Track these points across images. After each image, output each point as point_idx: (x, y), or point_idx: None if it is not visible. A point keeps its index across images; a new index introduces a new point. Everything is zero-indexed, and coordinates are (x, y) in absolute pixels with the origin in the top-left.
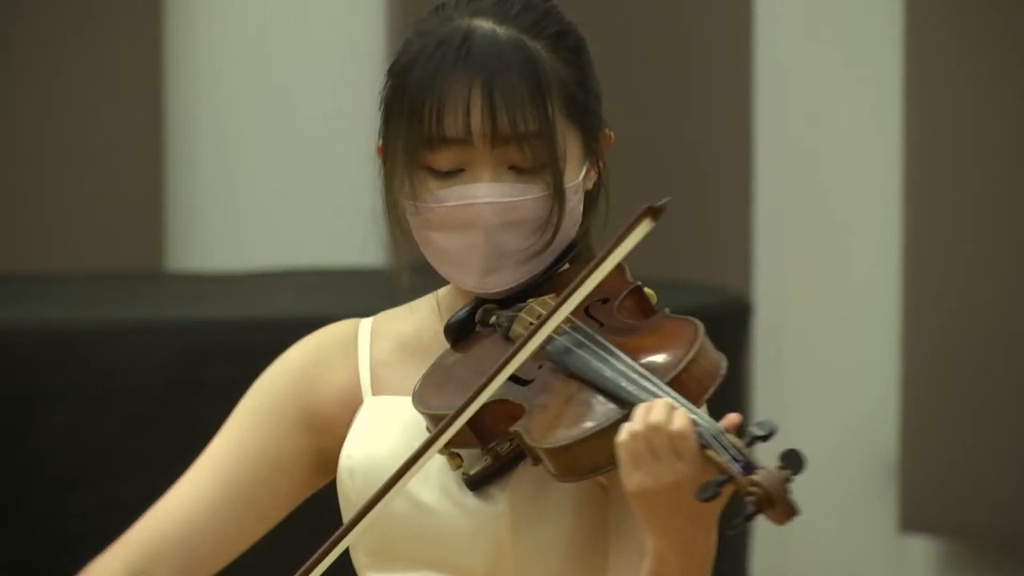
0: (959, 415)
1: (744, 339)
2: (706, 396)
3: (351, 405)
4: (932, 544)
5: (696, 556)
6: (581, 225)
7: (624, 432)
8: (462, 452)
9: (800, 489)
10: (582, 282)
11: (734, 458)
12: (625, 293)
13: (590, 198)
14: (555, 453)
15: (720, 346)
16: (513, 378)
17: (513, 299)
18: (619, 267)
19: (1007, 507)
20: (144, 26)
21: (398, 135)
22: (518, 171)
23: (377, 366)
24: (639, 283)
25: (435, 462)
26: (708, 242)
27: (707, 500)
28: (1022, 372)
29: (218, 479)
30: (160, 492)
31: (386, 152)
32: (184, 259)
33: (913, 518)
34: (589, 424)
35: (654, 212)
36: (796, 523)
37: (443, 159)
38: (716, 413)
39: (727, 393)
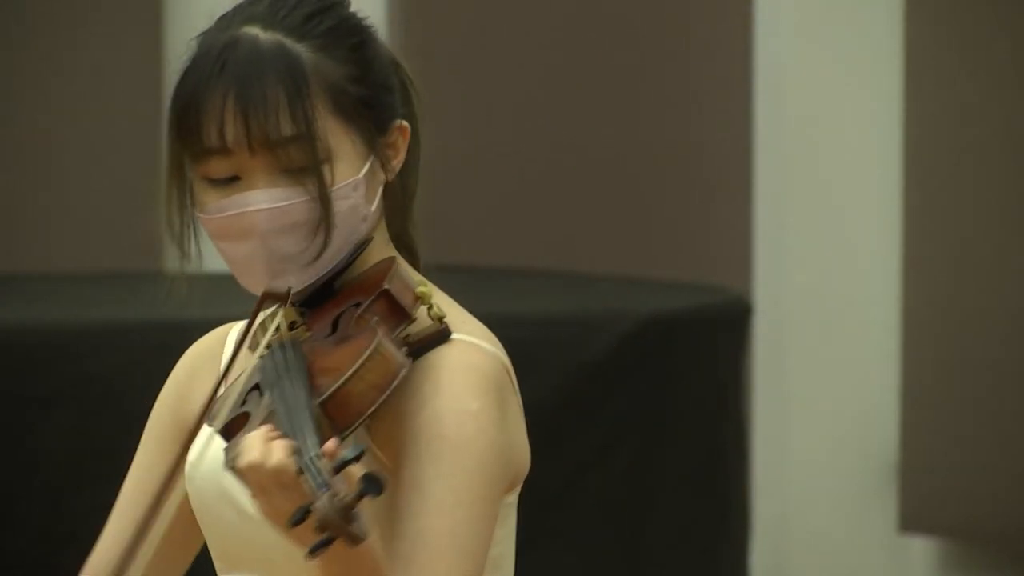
0: (959, 415)
1: (744, 339)
2: (373, 407)
3: None
4: (932, 544)
5: (357, 571)
6: (401, 218)
7: (237, 472)
8: None
9: (800, 489)
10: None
11: (319, 484)
12: (372, 298)
13: (393, 190)
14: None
15: (720, 346)
16: (255, 386)
17: (311, 300)
18: (386, 266)
19: (1007, 507)
20: (144, 26)
21: (172, 148)
22: (291, 173)
23: (231, 375)
24: (387, 287)
25: None
26: (708, 242)
27: (295, 526)
28: (1022, 372)
29: (140, 510)
30: None
31: (168, 166)
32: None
33: (913, 518)
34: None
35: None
36: (796, 523)
37: (215, 168)
38: (715, 413)
39: (727, 393)
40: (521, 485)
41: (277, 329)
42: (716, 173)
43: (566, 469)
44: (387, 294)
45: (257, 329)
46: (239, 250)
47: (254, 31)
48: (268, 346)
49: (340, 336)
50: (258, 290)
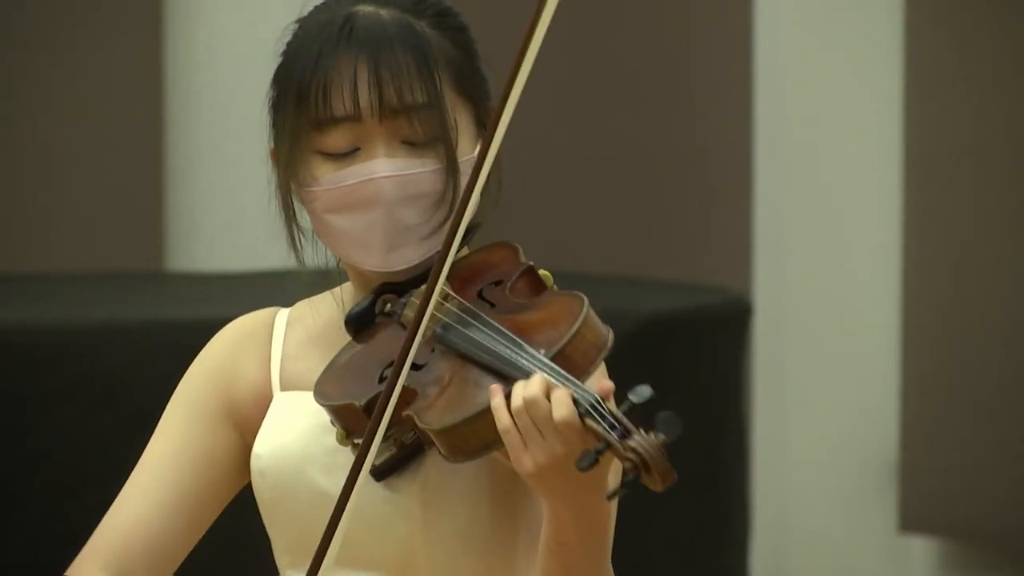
0: (959, 415)
1: (744, 339)
2: (592, 368)
3: (263, 401)
4: (932, 544)
5: (592, 518)
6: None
7: (503, 418)
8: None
9: (800, 489)
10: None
11: (611, 426)
12: (518, 274)
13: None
14: (443, 434)
15: (720, 346)
16: (441, 350)
17: (412, 286)
18: (512, 248)
19: (1007, 507)
20: (144, 26)
21: (287, 123)
22: (411, 145)
23: (287, 359)
24: (531, 263)
25: (345, 453)
26: (708, 242)
27: (586, 469)
28: (1022, 373)
29: (165, 483)
30: None
31: (278, 148)
32: (184, 259)
33: (913, 518)
34: (473, 403)
35: None
36: (796, 523)
37: (335, 140)
38: (715, 413)
39: (727, 393)
40: None
41: (443, 301)
42: (716, 174)
43: None
44: (532, 270)
45: (398, 306)
46: (358, 221)
47: (371, 7)
48: (445, 315)
49: (530, 304)
50: (370, 264)
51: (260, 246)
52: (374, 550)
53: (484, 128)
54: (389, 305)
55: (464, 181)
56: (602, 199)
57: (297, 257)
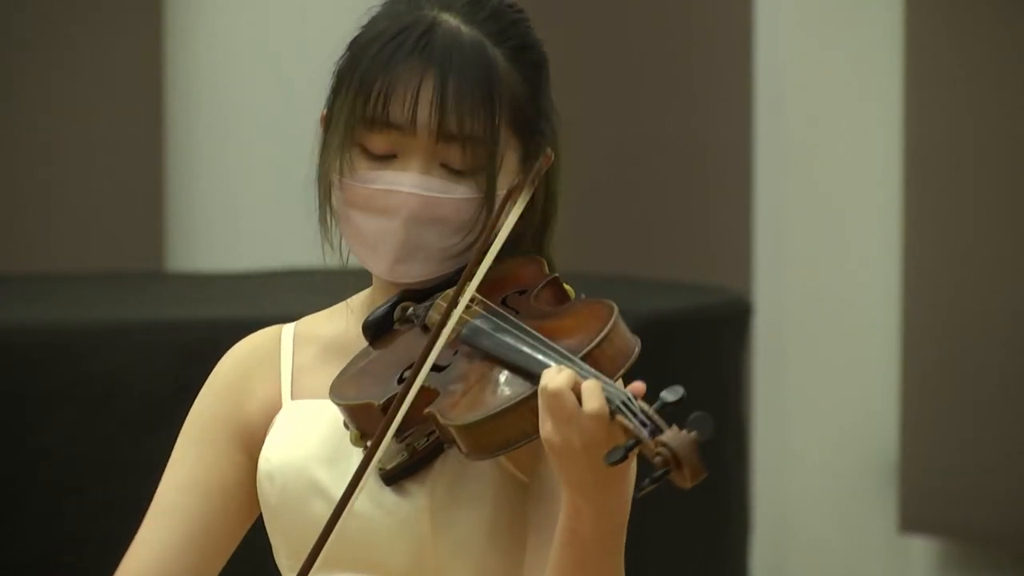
0: (959, 415)
1: (744, 339)
2: (619, 375)
3: (274, 415)
4: (932, 544)
5: (610, 514)
6: (537, 237)
7: (538, 393)
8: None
9: (800, 489)
10: (488, 246)
11: (642, 423)
12: (542, 284)
13: (533, 212)
14: (467, 430)
15: (720, 346)
16: (464, 352)
17: (430, 295)
18: (537, 261)
19: (1007, 507)
20: (144, 26)
21: (342, 109)
22: (449, 170)
23: (298, 373)
24: (556, 275)
25: (355, 458)
26: (708, 242)
27: (615, 464)
28: (1022, 373)
29: (175, 522)
30: None
31: (328, 123)
32: (184, 259)
33: (913, 518)
34: (500, 399)
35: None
36: (796, 523)
37: (379, 142)
38: (715, 413)
39: (727, 393)
40: None
41: (469, 304)
42: (716, 173)
43: None
44: (556, 281)
45: (420, 310)
46: (374, 225)
47: (455, 21)
48: (471, 316)
49: (556, 311)
50: (375, 269)
51: (260, 246)
52: (383, 555)
53: (525, 167)
54: (411, 310)
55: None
56: (602, 199)
57: (325, 236)
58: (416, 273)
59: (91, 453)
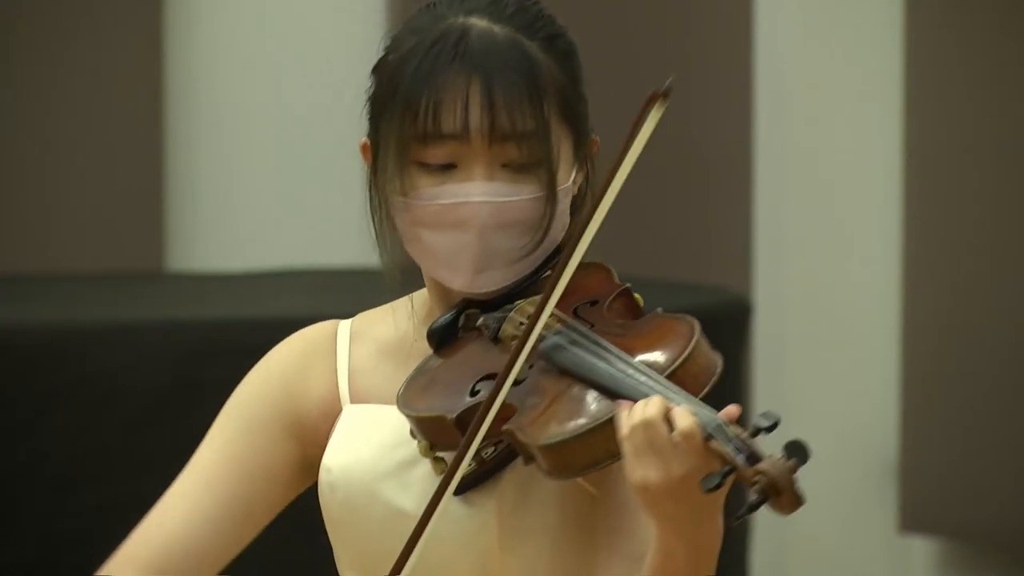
0: (959, 415)
1: (744, 339)
2: (703, 393)
3: (331, 414)
4: (932, 544)
5: (703, 547)
6: (569, 229)
7: (624, 427)
8: (446, 456)
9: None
10: (596, 207)
11: (738, 448)
12: (614, 295)
13: (575, 203)
14: (550, 450)
15: (720, 346)
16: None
17: (497, 303)
18: (606, 269)
19: (1007, 507)
20: (144, 26)
21: (391, 131)
22: (511, 170)
23: (355, 373)
24: (628, 285)
25: (419, 468)
26: (708, 242)
27: (711, 491)
28: (1022, 373)
29: (215, 494)
30: (159, 492)
31: (376, 149)
32: (184, 259)
33: (913, 518)
34: (585, 420)
35: (663, 95)
36: (796, 523)
37: (436, 154)
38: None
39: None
40: None
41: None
42: (716, 173)
43: None
44: (628, 292)
45: (492, 320)
46: (448, 240)
47: (484, 22)
48: (547, 330)
49: (634, 325)
50: (456, 284)
51: (260, 246)
52: (450, 566)
53: (580, 156)
54: (480, 319)
55: (560, 208)
56: None
57: (383, 258)
58: (495, 281)
59: (91, 453)
